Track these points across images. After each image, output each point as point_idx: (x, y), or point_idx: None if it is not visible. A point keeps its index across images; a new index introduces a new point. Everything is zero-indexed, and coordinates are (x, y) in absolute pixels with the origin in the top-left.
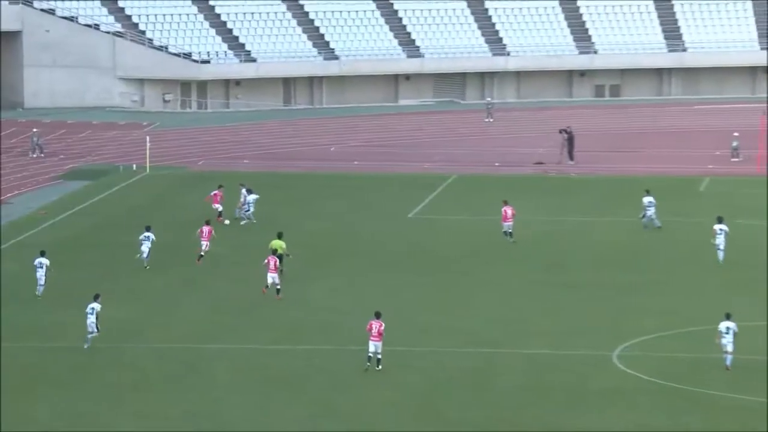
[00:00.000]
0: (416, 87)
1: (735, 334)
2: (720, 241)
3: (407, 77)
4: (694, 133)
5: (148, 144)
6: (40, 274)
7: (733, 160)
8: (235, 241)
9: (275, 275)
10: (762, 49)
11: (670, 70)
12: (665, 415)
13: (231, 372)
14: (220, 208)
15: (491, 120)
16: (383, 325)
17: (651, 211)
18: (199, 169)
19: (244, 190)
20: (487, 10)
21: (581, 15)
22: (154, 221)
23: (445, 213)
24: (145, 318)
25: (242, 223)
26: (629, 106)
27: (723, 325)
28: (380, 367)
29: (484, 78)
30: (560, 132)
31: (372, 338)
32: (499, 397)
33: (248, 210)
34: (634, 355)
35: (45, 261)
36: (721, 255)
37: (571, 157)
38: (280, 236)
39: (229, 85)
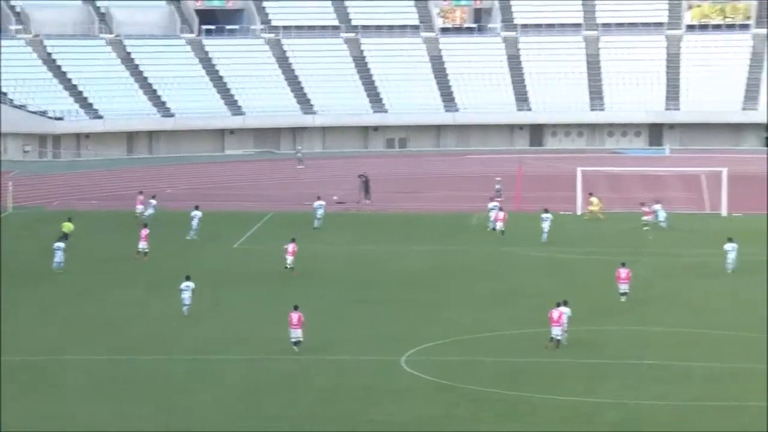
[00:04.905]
0: (239, 140)
1: (569, 318)
2: (731, 256)
3: (232, 132)
4: (465, 178)
5: (10, 188)
6: None
7: (496, 199)
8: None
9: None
10: (518, 110)
11: (446, 127)
12: (442, 408)
13: (84, 378)
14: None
15: (302, 167)
16: (302, 315)
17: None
18: (53, 208)
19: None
20: (297, 76)
21: (374, 81)
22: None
23: (265, 243)
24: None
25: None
26: (414, 155)
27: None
28: (297, 349)
29: (295, 132)
30: (359, 176)
31: (293, 327)
32: (310, 396)
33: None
34: (419, 359)
35: None
36: (729, 267)
37: (368, 198)
38: (69, 219)
39: (80, 138)
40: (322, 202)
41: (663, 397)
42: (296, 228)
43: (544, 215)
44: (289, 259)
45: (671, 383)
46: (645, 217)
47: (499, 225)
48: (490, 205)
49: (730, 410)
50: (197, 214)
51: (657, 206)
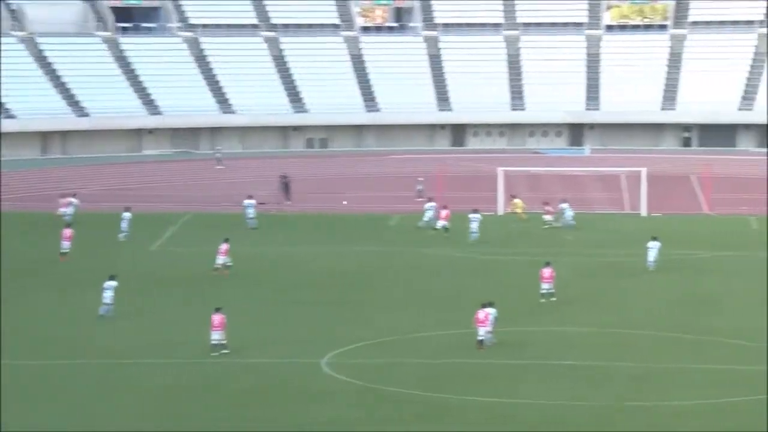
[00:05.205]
0: (157, 140)
1: (495, 318)
2: (652, 254)
3: (149, 131)
4: (387, 178)
5: None
6: None
7: (417, 200)
8: None
9: None
10: (440, 110)
11: (367, 127)
12: (361, 410)
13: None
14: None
15: (221, 167)
16: (224, 318)
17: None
18: None
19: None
20: (215, 75)
21: (294, 80)
22: None
23: (184, 245)
24: None
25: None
26: (335, 156)
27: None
28: (227, 351)
29: (214, 132)
30: (279, 177)
31: (214, 329)
32: (228, 399)
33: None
34: (340, 362)
35: None
36: (652, 265)
37: (288, 198)
38: None
39: None
40: (252, 201)
41: (583, 397)
42: (216, 229)
43: (472, 215)
44: (221, 259)
45: (592, 384)
46: (546, 217)
47: (441, 223)
48: (427, 205)
49: (651, 411)
50: (127, 215)
51: (564, 205)
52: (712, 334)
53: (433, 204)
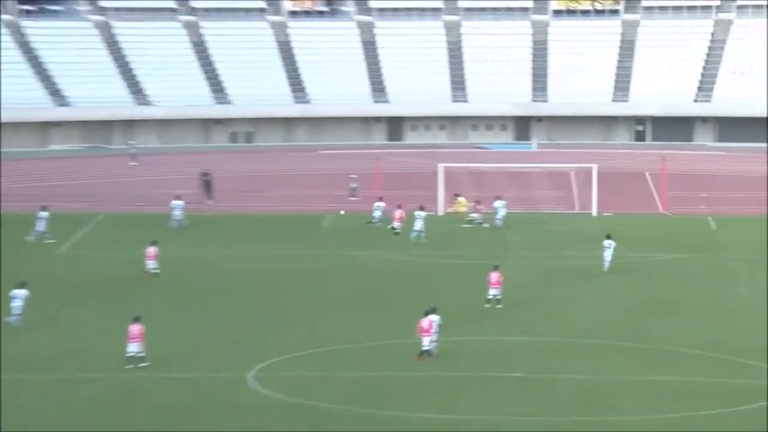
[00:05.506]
0: (65, 133)
1: (439, 326)
2: (608, 253)
3: (56, 124)
4: (318, 176)
5: None
6: None
7: (350, 199)
8: None
9: None
10: (375, 101)
11: (296, 119)
12: (286, 427)
13: None
14: None
15: (136, 163)
16: (143, 327)
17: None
18: None
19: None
20: (129, 63)
21: (216, 69)
22: None
23: (96, 248)
24: None
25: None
26: (261, 151)
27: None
28: (146, 363)
29: (128, 125)
30: (200, 174)
31: (132, 340)
32: (145, 416)
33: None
34: (267, 375)
35: None
36: (606, 265)
37: (210, 197)
38: None
39: None
40: (179, 202)
41: (529, 412)
42: (131, 231)
43: (417, 213)
44: (150, 263)
45: (539, 397)
46: (473, 215)
47: (397, 225)
48: (376, 204)
49: (601, 426)
50: (44, 214)
51: (499, 203)
52: (668, 343)
53: (381, 204)
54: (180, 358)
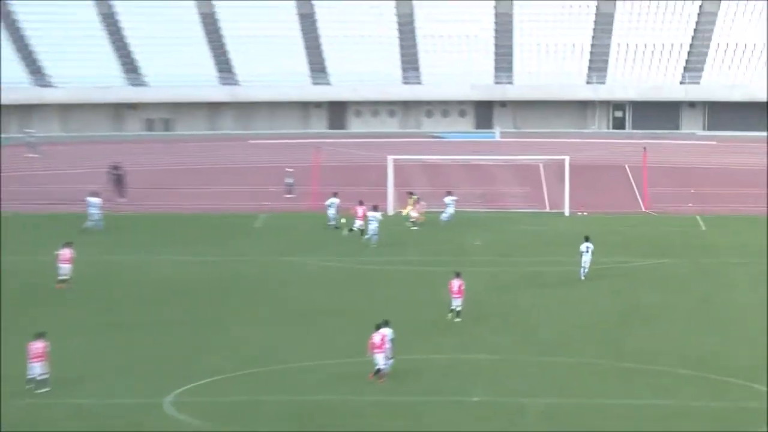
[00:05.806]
0: None
1: (392, 341)
2: (585, 258)
3: None
4: (248, 169)
5: None
6: None
7: (286, 196)
8: None
9: None
10: (314, 83)
11: (223, 104)
12: None
13: None
14: None
15: (34, 155)
16: (47, 345)
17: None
18: None
19: None
20: (25, 38)
21: (129, 46)
22: None
23: None
24: None
25: None
26: (182, 140)
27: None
28: (47, 388)
29: (26, 110)
30: (110, 168)
31: (34, 360)
32: None
33: None
34: (188, 401)
35: None
36: (582, 273)
37: (122, 194)
38: None
39: None
40: (97, 200)
41: None
42: (32, 232)
43: (371, 214)
44: (65, 267)
45: (501, 424)
46: (413, 213)
47: (359, 223)
48: (329, 201)
49: None
50: None
51: (449, 199)
52: (650, 361)
53: (335, 200)
54: (89, 381)
